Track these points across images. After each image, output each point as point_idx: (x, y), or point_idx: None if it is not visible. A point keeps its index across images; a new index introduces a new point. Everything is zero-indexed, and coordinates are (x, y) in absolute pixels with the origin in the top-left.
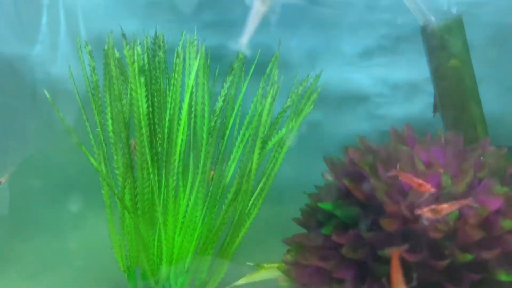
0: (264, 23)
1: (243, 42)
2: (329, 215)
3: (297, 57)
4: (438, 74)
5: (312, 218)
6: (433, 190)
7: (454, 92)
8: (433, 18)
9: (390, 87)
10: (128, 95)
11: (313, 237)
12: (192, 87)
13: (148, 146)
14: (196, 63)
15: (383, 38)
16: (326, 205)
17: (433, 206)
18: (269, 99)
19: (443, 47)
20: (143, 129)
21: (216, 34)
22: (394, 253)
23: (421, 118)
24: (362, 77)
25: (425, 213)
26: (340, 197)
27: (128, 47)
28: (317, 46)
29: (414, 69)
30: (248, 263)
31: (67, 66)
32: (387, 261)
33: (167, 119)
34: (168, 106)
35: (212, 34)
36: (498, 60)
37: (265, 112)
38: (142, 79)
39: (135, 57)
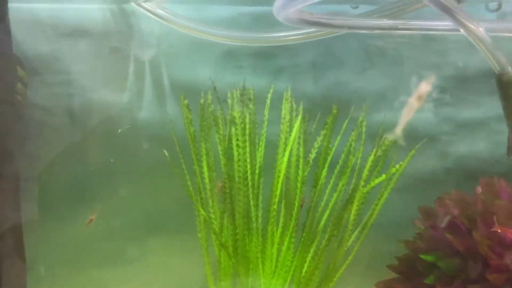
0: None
1: (397, 133)
2: (430, 266)
3: (366, 99)
4: (510, 114)
5: (411, 266)
6: None
7: None
8: (509, 68)
9: (457, 125)
10: (226, 143)
11: (414, 285)
12: (288, 139)
13: (252, 198)
14: (298, 121)
15: (450, 79)
16: (428, 257)
17: None
18: (371, 158)
19: None
20: (249, 183)
21: (287, 78)
22: None
23: (489, 156)
24: (429, 116)
25: None
26: (440, 248)
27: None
28: (385, 87)
29: (481, 108)
30: None
31: (151, 113)
32: None
33: (257, 166)
34: (258, 154)
35: (284, 78)
36: None
37: (367, 168)
38: (248, 144)
39: (246, 116)
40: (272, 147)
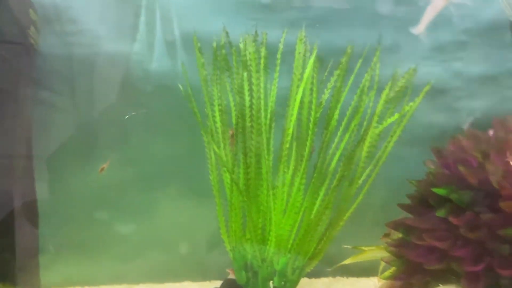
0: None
1: (420, 29)
2: (442, 200)
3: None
4: None
5: (422, 203)
6: None
7: None
8: None
9: (467, 80)
10: (237, 86)
11: (427, 219)
12: (300, 80)
13: (265, 135)
14: (311, 59)
15: (462, 32)
16: (441, 190)
17: None
18: (386, 91)
19: None
20: (261, 119)
21: (300, 30)
22: None
23: (498, 111)
24: (441, 71)
25: None
26: (453, 182)
27: (250, 43)
28: (397, 41)
29: (491, 63)
30: (344, 246)
31: (163, 63)
32: (505, 241)
33: (268, 110)
34: (270, 98)
35: (297, 31)
36: None
37: (381, 102)
38: (263, 78)
39: (261, 53)
40: (283, 98)
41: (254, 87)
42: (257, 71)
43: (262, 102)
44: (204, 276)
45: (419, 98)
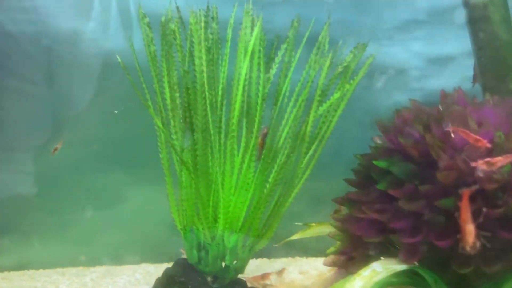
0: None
1: None
2: (384, 172)
3: (336, 31)
4: (479, 44)
5: (366, 176)
6: (489, 145)
7: (495, 62)
8: None
9: (427, 60)
10: (186, 62)
11: (368, 192)
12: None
13: (210, 110)
14: (255, 31)
15: (420, 11)
16: (382, 163)
17: (488, 159)
18: (327, 62)
19: (485, 18)
20: (206, 93)
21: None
22: (465, 193)
23: None
24: (399, 51)
25: (480, 165)
26: (394, 155)
27: (191, 14)
28: (355, 20)
29: (451, 42)
30: (296, 223)
31: (118, 42)
32: (442, 212)
33: (220, 87)
34: (221, 75)
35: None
36: None
37: (323, 75)
38: (204, 50)
39: (201, 24)
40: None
41: (202, 62)
42: (208, 47)
43: (205, 76)
44: (162, 257)
45: (359, 76)
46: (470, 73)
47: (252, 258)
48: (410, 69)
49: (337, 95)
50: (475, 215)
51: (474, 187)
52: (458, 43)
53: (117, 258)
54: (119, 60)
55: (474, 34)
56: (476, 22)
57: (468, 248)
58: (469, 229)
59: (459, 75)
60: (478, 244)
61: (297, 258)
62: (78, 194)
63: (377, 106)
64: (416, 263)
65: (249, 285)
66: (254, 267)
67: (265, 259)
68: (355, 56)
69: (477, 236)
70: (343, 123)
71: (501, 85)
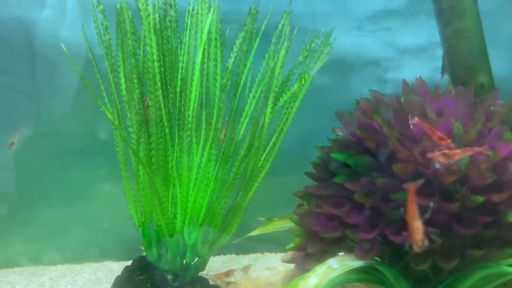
0: None
1: None
2: (342, 165)
3: (305, 21)
4: (447, 34)
5: (324, 169)
6: (453, 145)
7: (463, 52)
8: None
9: (398, 51)
10: (141, 52)
11: (326, 186)
12: (205, 43)
13: (162, 101)
14: (209, 17)
15: (391, 1)
16: (339, 155)
17: (446, 151)
18: (282, 52)
19: (453, 8)
20: (158, 83)
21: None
22: (410, 188)
23: (429, 82)
24: (370, 41)
25: (438, 157)
26: (352, 147)
27: (141, 1)
28: (324, 10)
29: (422, 33)
30: (259, 218)
31: (75, 31)
32: (398, 206)
33: (179, 77)
34: (180, 65)
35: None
36: (507, 20)
37: (279, 64)
38: (154, 38)
39: (149, 10)
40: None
41: (153, 51)
42: (167, 35)
43: (157, 65)
44: (127, 255)
45: (318, 64)
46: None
47: (219, 254)
48: (382, 60)
49: (296, 86)
50: (431, 210)
51: (420, 182)
52: (430, 34)
53: (79, 256)
54: (64, 49)
55: (442, 25)
56: (444, 13)
57: (416, 246)
58: (416, 226)
59: (431, 66)
60: (426, 242)
61: (266, 254)
62: (39, 190)
63: (350, 98)
64: (377, 258)
65: (211, 282)
66: (220, 264)
67: (233, 255)
68: (322, 46)
69: (426, 233)
70: (315, 116)
71: (469, 74)
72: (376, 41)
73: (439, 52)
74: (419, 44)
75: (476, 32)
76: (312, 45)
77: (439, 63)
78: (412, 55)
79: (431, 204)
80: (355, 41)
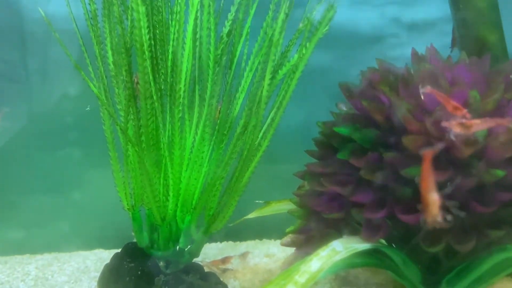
0: None
1: None
2: (346, 140)
3: None
4: (457, 6)
5: (327, 146)
6: (469, 115)
7: (475, 24)
8: None
9: (405, 26)
10: (129, 21)
11: (329, 163)
12: (197, 10)
13: (151, 74)
14: None
15: None
16: (343, 129)
17: (463, 121)
18: (281, 16)
19: None
20: (146, 54)
21: None
22: (426, 154)
23: None
24: (376, 16)
25: (454, 127)
26: (358, 121)
27: None
28: None
29: (430, 6)
30: (257, 201)
31: (62, 5)
32: (408, 182)
33: (170, 50)
34: (172, 36)
35: None
36: None
37: (277, 30)
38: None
39: None
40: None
41: (140, 17)
42: (157, 5)
43: (144, 32)
44: (119, 242)
45: (313, 42)
46: (449, 39)
47: (216, 241)
48: (387, 36)
49: (296, 56)
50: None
51: (438, 147)
52: (437, 8)
53: (68, 244)
54: (43, 14)
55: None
56: None
57: (431, 221)
58: (433, 198)
59: (439, 42)
60: (442, 217)
61: (265, 240)
62: (26, 175)
63: (353, 79)
64: (383, 241)
65: (206, 270)
66: (216, 251)
67: (230, 242)
68: (309, 21)
69: (443, 207)
70: (317, 96)
71: (481, 47)
72: (382, 16)
73: (448, 27)
74: (427, 18)
75: (488, 4)
76: (314, 12)
77: (449, 39)
78: (419, 31)
79: (452, 177)
80: (359, 15)
